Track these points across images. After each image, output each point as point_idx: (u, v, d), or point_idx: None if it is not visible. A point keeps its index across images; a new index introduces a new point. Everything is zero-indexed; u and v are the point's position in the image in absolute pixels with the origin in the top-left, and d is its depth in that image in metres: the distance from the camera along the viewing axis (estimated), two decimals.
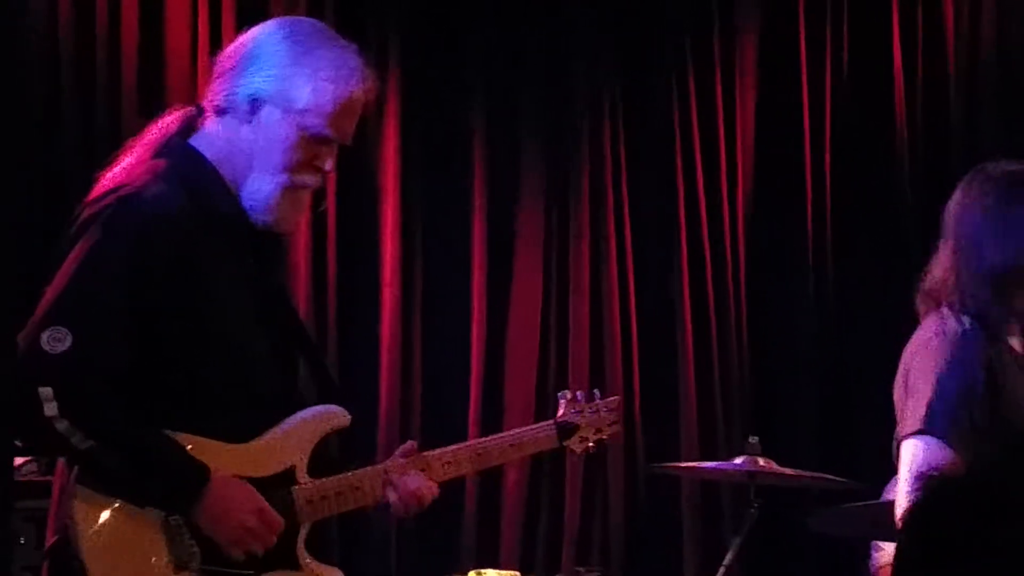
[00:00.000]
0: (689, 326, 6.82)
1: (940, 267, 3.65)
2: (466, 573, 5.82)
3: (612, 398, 3.77)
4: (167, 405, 3.06)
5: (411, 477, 3.33)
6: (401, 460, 3.37)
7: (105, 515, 2.99)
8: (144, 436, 3.03)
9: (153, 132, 3.26)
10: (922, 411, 3.53)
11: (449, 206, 6.69)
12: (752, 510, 5.13)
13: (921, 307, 3.69)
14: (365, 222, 6.52)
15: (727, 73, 6.99)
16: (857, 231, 7.10)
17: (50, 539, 3.09)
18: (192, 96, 4.18)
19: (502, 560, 6.34)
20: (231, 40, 3.41)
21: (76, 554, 2.97)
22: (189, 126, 3.26)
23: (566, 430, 3.62)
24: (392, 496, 3.32)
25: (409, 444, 3.45)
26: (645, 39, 6.95)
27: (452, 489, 3.49)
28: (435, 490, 3.38)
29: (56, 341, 2.94)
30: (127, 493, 3.01)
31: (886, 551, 5.45)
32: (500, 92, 6.76)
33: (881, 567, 5.55)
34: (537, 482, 6.61)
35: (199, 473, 3.04)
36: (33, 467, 4.97)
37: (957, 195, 3.69)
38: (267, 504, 3.10)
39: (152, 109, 3.43)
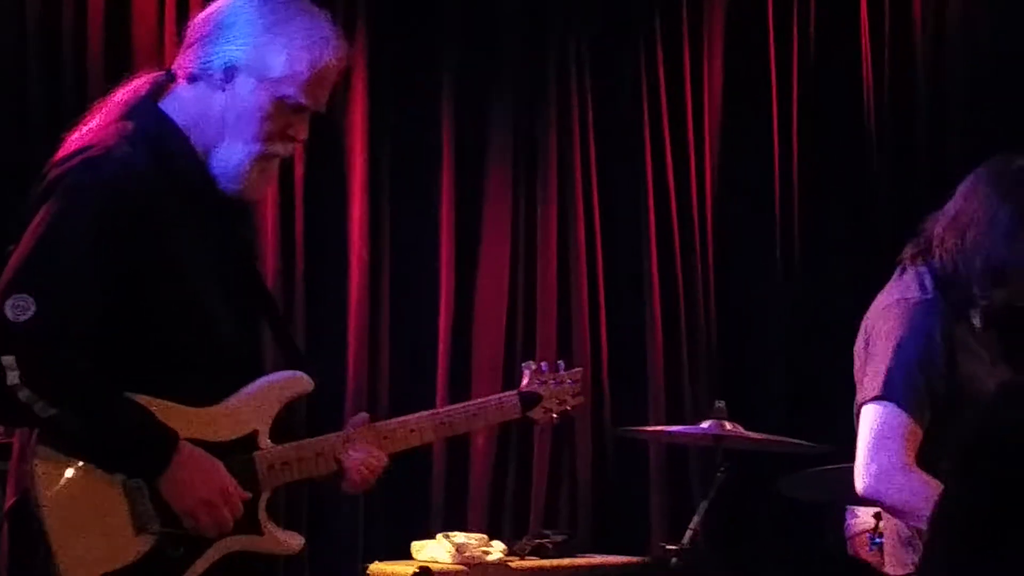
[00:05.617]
0: (656, 290, 6.84)
1: (942, 229, 3.63)
2: (434, 535, 5.85)
3: (576, 369, 3.74)
4: (131, 367, 3.04)
5: (357, 449, 3.31)
6: (353, 431, 3.33)
7: (66, 476, 2.98)
8: (110, 403, 3.01)
9: (121, 94, 3.24)
10: (881, 377, 3.54)
11: (417, 170, 6.68)
12: (719, 474, 5.17)
13: (908, 252, 3.69)
14: (333, 186, 6.50)
15: (695, 41, 7.01)
16: (824, 196, 7.13)
17: (10, 500, 3.08)
18: (159, 63, 4.16)
19: (470, 523, 6.37)
20: (198, 7, 3.39)
21: (36, 515, 2.96)
22: (159, 90, 3.25)
23: (529, 400, 3.59)
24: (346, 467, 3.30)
25: (360, 416, 3.40)
26: (614, 5, 6.95)
27: (420, 452, 3.48)
28: (383, 460, 3.34)
29: (20, 309, 2.92)
30: (91, 458, 3.00)
31: (861, 517, 5.48)
32: (470, 54, 6.74)
33: (856, 533, 5.57)
34: (505, 446, 6.63)
35: (166, 441, 3.03)
36: None
37: (980, 176, 3.62)
38: (232, 482, 3.09)
39: (118, 75, 3.41)
